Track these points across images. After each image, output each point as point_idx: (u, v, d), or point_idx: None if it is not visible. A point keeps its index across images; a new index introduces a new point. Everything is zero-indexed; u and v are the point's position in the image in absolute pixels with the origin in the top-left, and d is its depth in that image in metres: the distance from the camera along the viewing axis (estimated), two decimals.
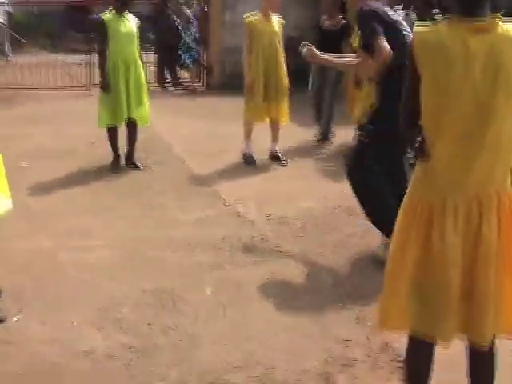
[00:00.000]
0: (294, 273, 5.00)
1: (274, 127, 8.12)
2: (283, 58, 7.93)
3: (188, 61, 13.71)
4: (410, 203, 2.84)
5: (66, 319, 4.20)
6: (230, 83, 13.32)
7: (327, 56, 5.56)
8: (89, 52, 12.97)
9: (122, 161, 7.80)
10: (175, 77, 14.32)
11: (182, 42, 13.64)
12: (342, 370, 3.72)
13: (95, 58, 13.53)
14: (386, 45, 4.82)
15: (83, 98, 12.70)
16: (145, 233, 5.72)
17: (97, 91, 12.94)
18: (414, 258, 2.78)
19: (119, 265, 5.04)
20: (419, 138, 2.77)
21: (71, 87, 13.17)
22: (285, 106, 8.02)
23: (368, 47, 4.95)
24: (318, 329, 4.15)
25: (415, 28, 2.73)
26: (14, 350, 3.83)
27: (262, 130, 8.24)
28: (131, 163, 7.76)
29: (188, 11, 14.02)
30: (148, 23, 13.13)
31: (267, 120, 8.13)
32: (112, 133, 7.69)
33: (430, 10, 8.07)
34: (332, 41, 8.41)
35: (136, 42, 7.55)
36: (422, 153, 2.77)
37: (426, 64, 2.66)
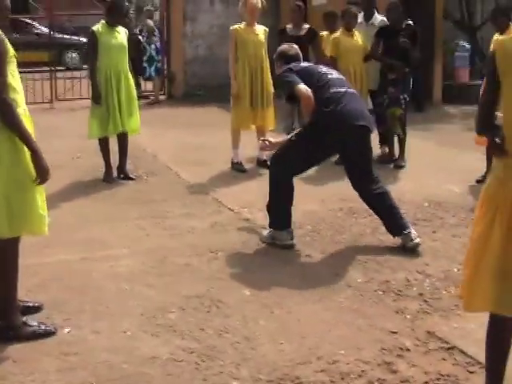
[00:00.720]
0: (323, 272, 5.18)
1: (261, 134, 8.28)
2: (268, 66, 8.11)
3: (153, 72, 13.77)
4: (491, 196, 3.03)
5: (118, 327, 4.25)
6: (192, 93, 13.54)
7: (280, 138, 6.14)
8: (52, 67, 12.95)
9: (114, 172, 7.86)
10: (137, 88, 14.34)
11: (147, 53, 13.71)
12: (398, 358, 3.90)
13: (58, 73, 13.72)
14: (304, 89, 5.42)
15: (48, 112, 12.69)
16: (163, 241, 5.82)
17: (60, 105, 13.08)
18: (498, 246, 2.98)
19: (152, 273, 5.12)
20: (497, 138, 2.98)
21: (36, 102, 13.06)
22: (271, 112, 8.22)
23: (292, 98, 5.73)
24: (364, 322, 4.33)
25: (496, 37, 2.98)
26: (79, 360, 3.87)
27: (245, 136, 8.42)
28: (124, 174, 7.82)
29: (151, 22, 14.07)
30: None
31: (253, 127, 8.29)
32: (104, 144, 7.75)
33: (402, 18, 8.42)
34: (298, 46, 8.60)
35: (126, 54, 7.63)
36: (501, 151, 2.98)
37: (506, 70, 2.87)
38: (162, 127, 10.99)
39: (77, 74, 13.93)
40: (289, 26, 9.03)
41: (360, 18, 9.07)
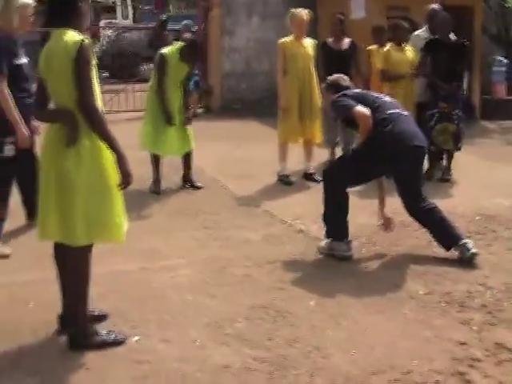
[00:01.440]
0: (382, 283, 5.17)
1: (308, 147, 8.33)
2: (316, 79, 8.15)
3: (192, 86, 13.85)
4: None
5: (186, 337, 4.27)
6: (229, 107, 13.61)
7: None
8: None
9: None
10: None
11: None
12: (471, 369, 3.89)
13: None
14: (362, 109, 5.48)
15: None
16: (219, 252, 5.84)
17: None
18: None
19: (212, 283, 5.14)
20: None
21: None
22: (318, 125, 8.24)
23: (351, 122, 5.70)
24: (431, 333, 4.32)
25: None
26: (151, 368, 3.89)
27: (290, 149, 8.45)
28: (190, 183, 8.06)
29: (188, 35, 14.13)
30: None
31: (300, 140, 8.32)
32: (156, 158, 7.84)
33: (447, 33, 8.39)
34: (341, 60, 8.59)
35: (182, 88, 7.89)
36: None
37: None
38: (203, 140, 10.98)
39: (114, 87, 14.09)
40: (329, 40, 9.02)
41: (426, 31, 9.00)
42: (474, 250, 5.51)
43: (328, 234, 5.72)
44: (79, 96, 3.86)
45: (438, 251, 5.78)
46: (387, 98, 5.90)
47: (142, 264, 5.55)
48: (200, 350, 4.12)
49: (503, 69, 14.38)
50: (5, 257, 5.65)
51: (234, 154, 9.99)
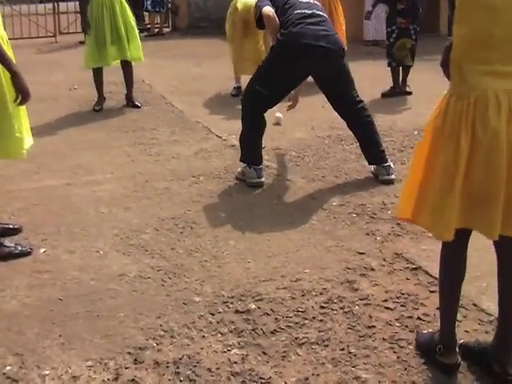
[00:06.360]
0: (300, 195, 5.23)
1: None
2: None
3: (149, 5, 13.55)
4: (453, 103, 2.75)
5: (92, 248, 4.36)
6: (196, 25, 13.45)
7: None
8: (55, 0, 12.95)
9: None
10: (141, 22, 14.27)
11: None
12: (362, 277, 3.97)
13: (61, 6, 13.74)
14: (267, 9, 5.34)
15: (51, 46, 12.73)
16: (147, 167, 5.89)
17: (64, 39, 13.08)
18: (465, 158, 2.71)
19: (131, 197, 5.21)
20: None
21: (39, 37, 13.11)
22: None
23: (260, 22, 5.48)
24: (333, 243, 4.39)
25: None
26: (49, 278, 3.98)
27: None
28: (131, 102, 7.96)
29: None
30: None
31: None
32: (97, 74, 7.76)
33: None
34: None
35: None
36: None
37: None
38: (164, 59, 11.00)
39: None
40: None
41: None
42: (392, 177, 5.49)
43: (242, 158, 5.55)
44: None
45: (367, 164, 5.81)
46: None
47: (68, 180, 5.61)
48: (100, 260, 4.20)
49: None
50: None
51: (192, 72, 9.96)
